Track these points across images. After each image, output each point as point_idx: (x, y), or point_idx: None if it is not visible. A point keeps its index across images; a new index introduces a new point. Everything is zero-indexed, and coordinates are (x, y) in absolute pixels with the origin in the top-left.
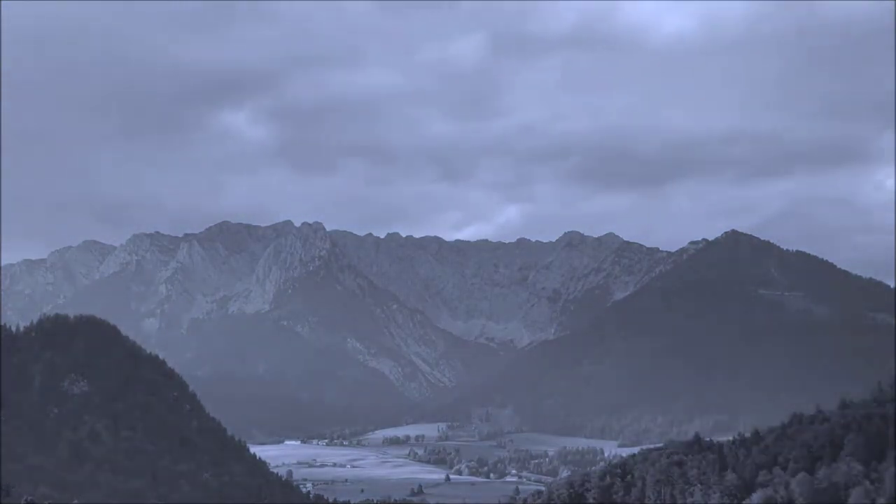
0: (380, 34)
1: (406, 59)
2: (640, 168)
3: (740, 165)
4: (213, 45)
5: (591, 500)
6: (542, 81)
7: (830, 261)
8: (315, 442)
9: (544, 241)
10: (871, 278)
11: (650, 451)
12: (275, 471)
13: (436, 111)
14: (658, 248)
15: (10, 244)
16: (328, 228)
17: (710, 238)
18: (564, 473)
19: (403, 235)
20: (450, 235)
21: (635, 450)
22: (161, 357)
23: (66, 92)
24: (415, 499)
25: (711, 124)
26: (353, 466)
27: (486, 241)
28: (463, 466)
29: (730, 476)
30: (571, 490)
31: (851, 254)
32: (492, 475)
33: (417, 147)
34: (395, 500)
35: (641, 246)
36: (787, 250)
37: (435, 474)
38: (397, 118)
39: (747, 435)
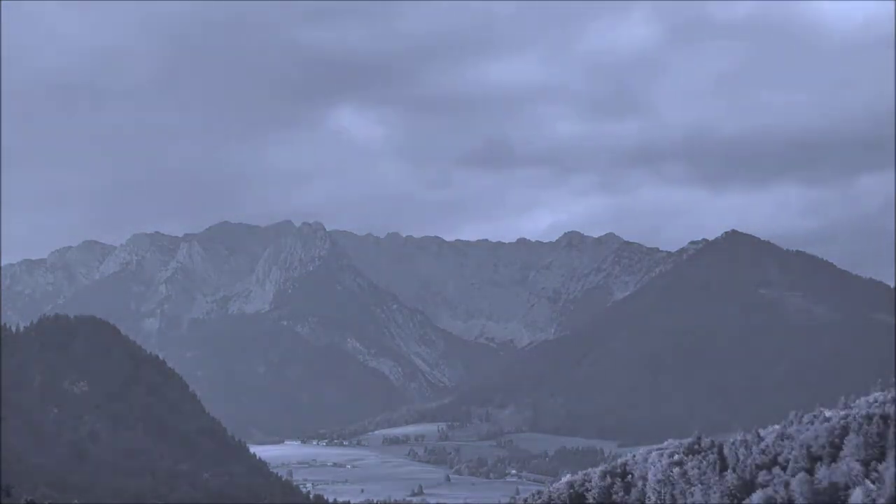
0: (544, 21)
1: (561, 49)
2: (755, 165)
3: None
4: (343, 30)
5: (591, 500)
6: (695, 77)
7: (830, 261)
8: (315, 442)
9: (545, 241)
10: (871, 278)
11: (650, 451)
12: (275, 471)
13: (570, 108)
14: (658, 248)
15: (124, 229)
16: (336, 228)
17: (710, 238)
18: (564, 473)
19: (404, 236)
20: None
21: (635, 450)
22: (161, 357)
23: (185, 85)
24: (415, 499)
25: (840, 122)
26: (353, 466)
27: (486, 240)
28: (463, 466)
29: (730, 476)
30: (571, 490)
31: None
32: (492, 475)
33: (538, 148)
34: (395, 500)
35: (641, 246)
36: (788, 250)
37: (435, 474)
38: (527, 116)
39: (747, 435)
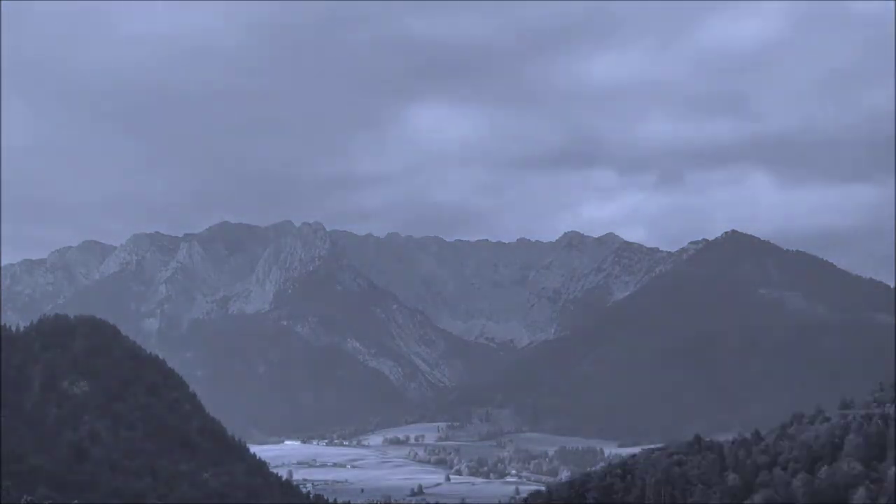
0: (661, 15)
1: (673, 45)
2: (840, 165)
3: None
4: (442, 23)
5: (591, 500)
6: (806, 75)
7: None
8: (315, 442)
9: (545, 241)
10: (871, 278)
11: (650, 451)
12: (275, 471)
13: (669, 107)
14: (658, 248)
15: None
16: (336, 228)
17: (710, 238)
18: (564, 473)
19: (403, 235)
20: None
21: (635, 450)
22: (161, 357)
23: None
24: (415, 499)
25: None
26: (353, 466)
27: (486, 240)
28: (463, 466)
29: (730, 476)
30: (571, 490)
31: None
32: (492, 475)
33: (622, 148)
34: (395, 500)
35: (641, 246)
36: (788, 250)
37: (435, 474)
38: (621, 113)
39: (747, 435)
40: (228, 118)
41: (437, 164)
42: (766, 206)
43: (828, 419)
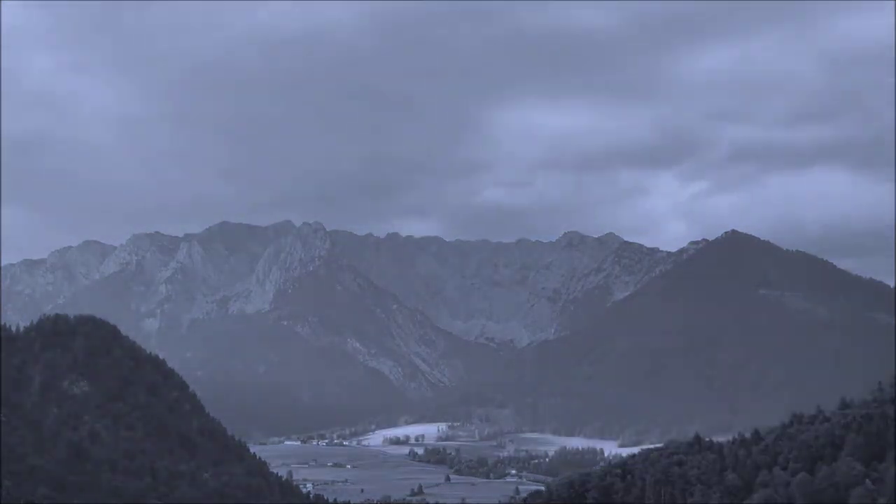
0: (792, 9)
1: (797, 41)
2: None
3: None
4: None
5: (590, 500)
6: None
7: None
8: (315, 442)
9: (544, 241)
10: (871, 278)
11: (650, 451)
12: (275, 471)
13: (771, 105)
14: (658, 248)
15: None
16: (336, 228)
17: (710, 238)
18: (564, 473)
19: (404, 235)
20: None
21: (635, 450)
22: (161, 357)
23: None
24: (415, 499)
25: None
26: (353, 466)
27: (486, 240)
28: (463, 466)
29: (730, 476)
30: (571, 490)
31: None
32: (492, 475)
33: (726, 148)
34: (395, 500)
35: (641, 246)
36: (788, 250)
37: (435, 474)
38: (719, 111)
39: (747, 435)
40: (311, 113)
41: (515, 163)
42: (834, 205)
43: (828, 419)
